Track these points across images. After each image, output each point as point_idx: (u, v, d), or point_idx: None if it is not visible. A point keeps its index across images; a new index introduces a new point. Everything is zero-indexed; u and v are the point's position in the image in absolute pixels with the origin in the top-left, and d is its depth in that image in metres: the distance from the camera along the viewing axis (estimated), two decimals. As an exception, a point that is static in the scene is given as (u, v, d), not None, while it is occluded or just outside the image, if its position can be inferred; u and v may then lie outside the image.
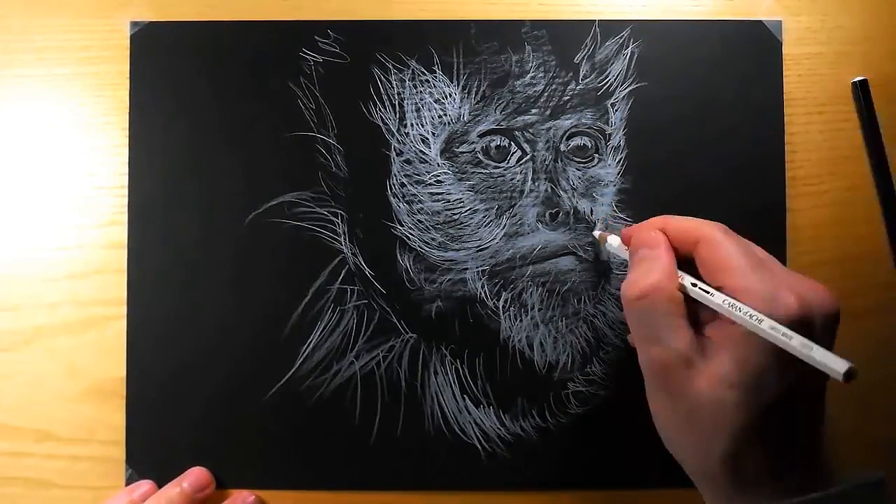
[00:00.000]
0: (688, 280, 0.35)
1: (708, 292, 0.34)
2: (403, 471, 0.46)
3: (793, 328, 0.31)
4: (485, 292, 0.46)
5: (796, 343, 0.31)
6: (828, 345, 0.32)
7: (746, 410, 0.32)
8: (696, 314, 0.36)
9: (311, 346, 0.46)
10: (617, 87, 0.47)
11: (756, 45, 0.47)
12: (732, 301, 0.33)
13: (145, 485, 0.45)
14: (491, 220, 0.46)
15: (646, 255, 0.37)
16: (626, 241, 0.40)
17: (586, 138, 0.47)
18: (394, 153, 0.47)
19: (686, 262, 0.37)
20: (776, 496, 0.32)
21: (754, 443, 0.33)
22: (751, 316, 0.32)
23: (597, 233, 0.45)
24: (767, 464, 0.33)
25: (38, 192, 0.47)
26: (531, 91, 0.47)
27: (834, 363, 0.30)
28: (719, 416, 0.33)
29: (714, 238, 0.35)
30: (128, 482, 0.46)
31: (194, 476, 0.45)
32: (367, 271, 0.46)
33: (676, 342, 0.34)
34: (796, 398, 0.33)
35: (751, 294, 0.33)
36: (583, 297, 0.46)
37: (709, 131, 0.47)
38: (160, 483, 0.45)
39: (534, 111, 0.47)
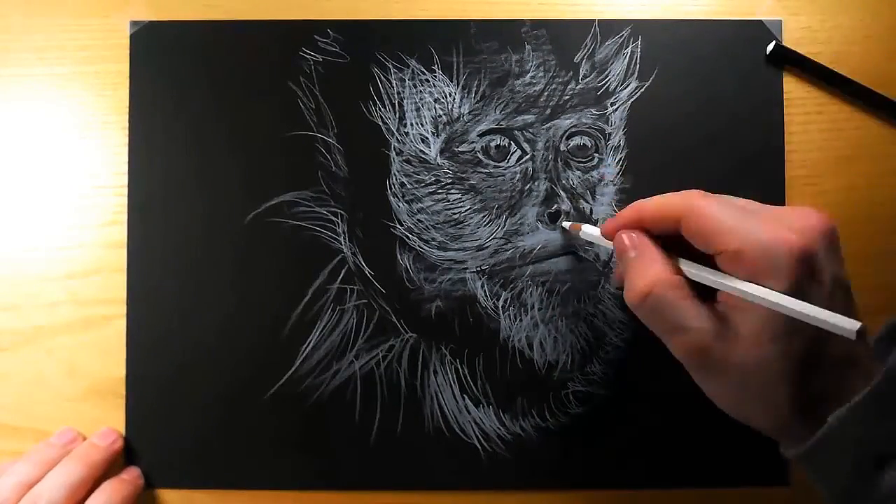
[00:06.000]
0: (683, 265, 0.36)
1: (705, 273, 0.35)
2: (403, 471, 0.46)
3: (801, 263, 0.32)
4: (484, 292, 0.46)
5: (804, 309, 0.31)
6: (837, 262, 0.34)
7: (793, 354, 0.33)
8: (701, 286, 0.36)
9: (310, 345, 0.46)
10: (617, 86, 0.47)
11: (756, 44, 0.47)
12: (730, 282, 0.33)
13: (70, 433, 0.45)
14: (491, 220, 0.46)
15: (632, 256, 0.37)
16: (608, 238, 0.40)
17: (586, 138, 0.47)
18: (394, 153, 0.47)
19: (673, 238, 0.37)
20: (847, 396, 0.32)
21: (813, 370, 0.33)
22: (751, 290, 0.32)
23: (567, 224, 0.45)
24: (832, 377, 0.33)
25: (37, 192, 0.47)
26: (531, 90, 0.47)
27: (844, 323, 0.30)
28: (771, 372, 0.33)
29: (694, 209, 0.35)
30: (127, 482, 0.46)
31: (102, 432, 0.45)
32: (367, 271, 0.46)
33: (698, 323, 0.34)
34: None
35: (750, 251, 0.32)
36: (583, 296, 0.46)
37: (709, 131, 0.47)
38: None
39: (534, 111, 0.47)
